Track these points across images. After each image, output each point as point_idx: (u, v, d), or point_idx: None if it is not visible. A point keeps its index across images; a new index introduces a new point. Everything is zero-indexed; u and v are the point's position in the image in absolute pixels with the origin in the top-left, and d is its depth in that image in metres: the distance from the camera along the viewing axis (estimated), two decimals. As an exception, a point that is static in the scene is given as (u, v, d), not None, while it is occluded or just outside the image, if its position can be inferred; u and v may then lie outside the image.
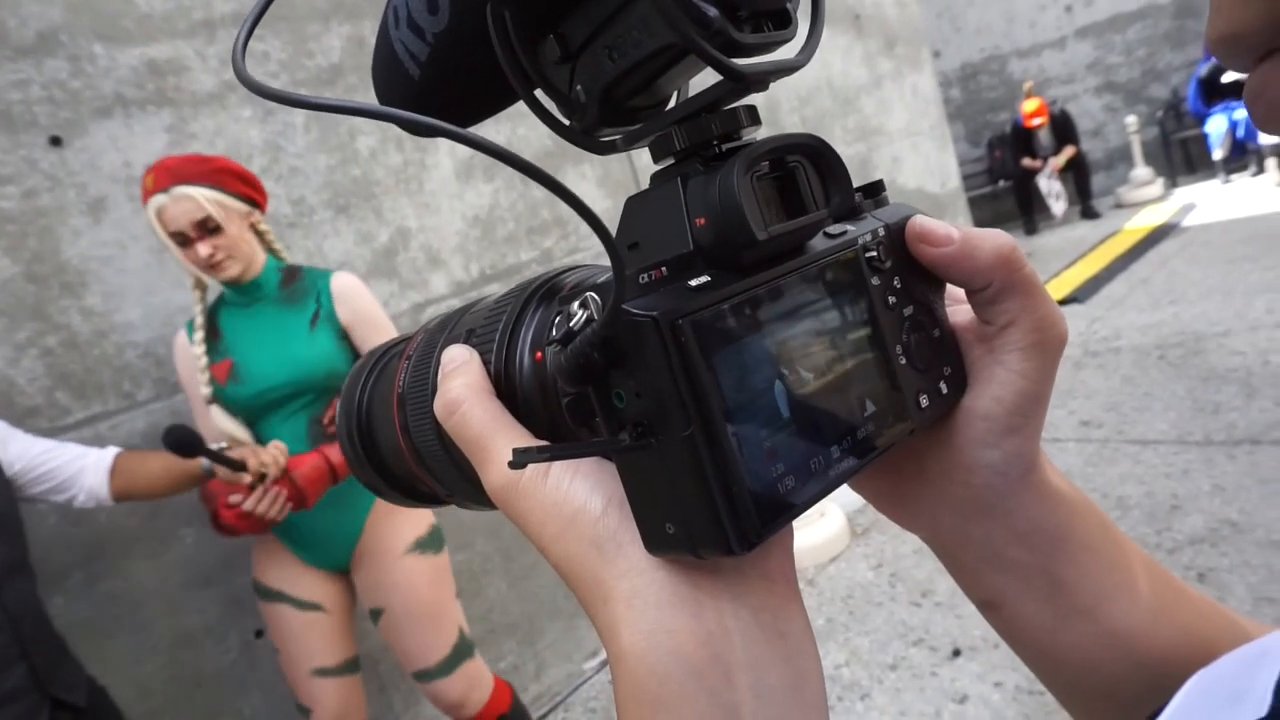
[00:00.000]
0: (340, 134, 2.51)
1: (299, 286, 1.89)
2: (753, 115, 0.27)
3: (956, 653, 2.48)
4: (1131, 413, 3.66)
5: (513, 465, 0.26)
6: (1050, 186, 8.10)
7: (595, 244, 3.11)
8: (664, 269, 0.24)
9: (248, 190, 1.83)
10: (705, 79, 0.26)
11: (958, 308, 0.33)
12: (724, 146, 0.26)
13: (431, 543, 2.00)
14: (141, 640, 2.04)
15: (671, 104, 0.29)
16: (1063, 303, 5.60)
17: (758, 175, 0.25)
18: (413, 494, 0.37)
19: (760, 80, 0.24)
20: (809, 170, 0.27)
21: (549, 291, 0.29)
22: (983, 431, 0.31)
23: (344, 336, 1.88)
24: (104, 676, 1.96)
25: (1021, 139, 8.26)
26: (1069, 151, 8.18)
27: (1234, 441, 3.16)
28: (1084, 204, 8.39)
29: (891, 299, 0.29)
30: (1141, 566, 0.34)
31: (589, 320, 0.24)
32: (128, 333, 2.08)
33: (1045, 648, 0.35)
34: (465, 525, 2.64)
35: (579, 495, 0.26)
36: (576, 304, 0.25)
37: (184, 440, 1.65)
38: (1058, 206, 8.15)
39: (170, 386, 2.12)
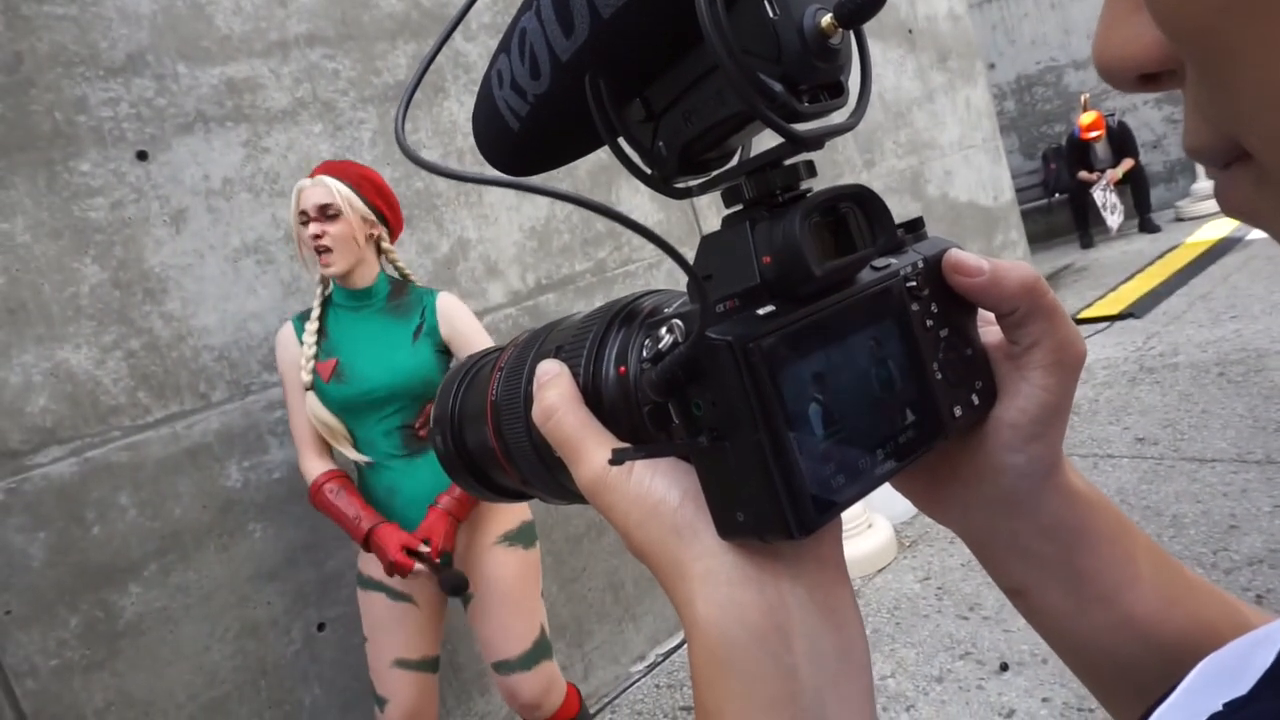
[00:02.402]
0: (404, 148, 2.60)
1: (406, 301, 2.02)
2: (810, 169, 0.32)
3: (1004, 667, 2.47)
4: (1189, 430, 3.59)
5: (613, 461, 0.31)
6: (1106, 199, 7.96)
7: (646, 256, 3.17)
8: (736, 300, 0.29)
9: (379, 203, 1.99)
10: (769, 135, 0.31)
11: (987, 329, 0.37)
12: (785, 196, 0.31)
13: (521, 537, 2.09)
14: (211, 629, 2.13)
15: (737, 157, 0.34)
16: (1118, 318, 5.51)
17: (815, 220, 0.30)
18: (496, 489, 0.43)
19: (816, 142, 0.29)
20: (858, 214, 0.32)
21: (629, 315, 0.35)
22: (1010, 438, 0.35)
23: (442, 350, 2.01)
24: (176, 663, 2.06)
25: (1078, 151, 8.13)
26: (1127, 164, 8.02)
27: (1295, 461, 3.10)
28: (1142, 217, 8.21)
29: (929, 322, 0.34)
30: (1154, 559, 0.38)
31: (674, 344, 0.29)
32: (204, 337, 2.19)
33: (1067, 632, 0.39)
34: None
35: (659, 489, 0.31)
36: (664, 329, 0.29)
37: (462, 584, 1.90)
38: (1113, 220, 8.00)
39: (243, 389, 2.23)
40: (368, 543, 1.87)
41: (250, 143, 2.32)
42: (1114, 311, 5.64)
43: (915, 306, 0.33)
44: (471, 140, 2.54)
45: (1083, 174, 8.06)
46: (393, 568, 1.83)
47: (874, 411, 0.31)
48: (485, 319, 2.72)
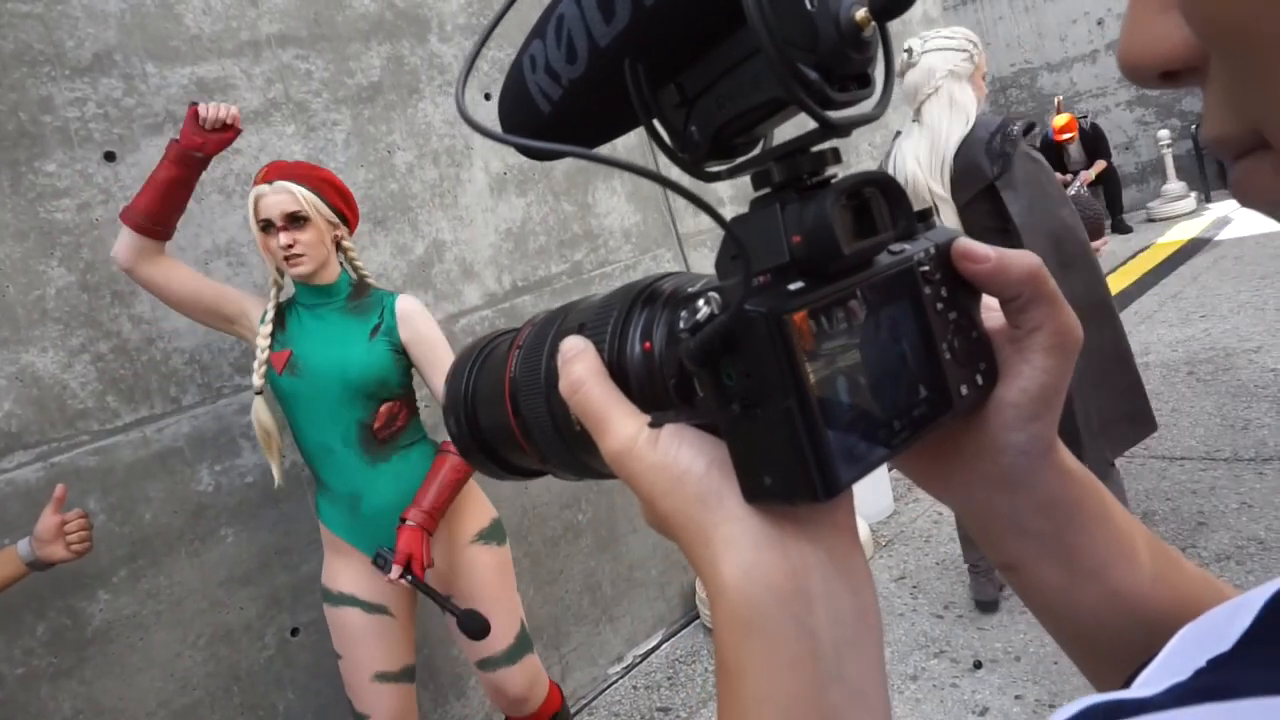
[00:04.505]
0: (379, 150, 2.59)
1: (366, 301, 2.01)
2: (836, 155, 0.34)
3: (978, 665, 2.49)
4: (1159, 428, 3.64)
5: (652, 425, 0.33)
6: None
7: (622, 259, 3.17)
8: (768, 275, 0.31)
9: (341, 205, 1.97)
10: (790, 125, 0.33)
11: (990, 314, 0.39)
12: (812, 180, 0.33)
13: (494, 534, 2.10)
14: (182, 635, 2.11)
15: (762, 144, 0.36)
16: (1091, 318, 5.57)
17: (842, 203, 0.32)
18: (510, 468, 0.44)
19: (846, 129, 0.31)
20: (881, 199, 0.34)
21: (651, 295, 0.36)
22: (1011, 417, 0.37)
23: (399, 351, 1.98)
24: (147, 670, 2.04)
25: (1051, 153, 8.22)
26: (1099, 166, 8.13)
27: (1263, 459, 3.15)
28: (1114, 218, 8.32)
29: (939, 305, 0.36)
30: (1141, 538, 0.41)
31: (711, 315, 0.30)
32: (174, 340, 2.17)
33: (1058, 606, 0.41)
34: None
35: (685, 458, 0.32)
36: (701, 301, 0.31)
37: (485, 627, 1.89)
38: (1088, 221, 8.10)
39: (214, 392, 2.21)
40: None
41: (221, 143, 2.30)
42: (1087, 311, 5.70)
43: (928, 290, 0.35)
44: (446, 141, 2.52)
45: (1057, 175, 8.15)
46: None
47: (892, 385, 0.32)
48: (461, 321, 2.71)
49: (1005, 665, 2.46)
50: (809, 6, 0.28)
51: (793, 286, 0.30)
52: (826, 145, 0.33)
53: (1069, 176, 8.09)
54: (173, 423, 2.14)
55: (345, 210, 1.99)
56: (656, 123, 0.34)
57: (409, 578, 1.86)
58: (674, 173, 0.38)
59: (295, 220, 1.88)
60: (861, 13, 0.28)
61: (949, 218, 2.40)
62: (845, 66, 0.29)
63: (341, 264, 2.04)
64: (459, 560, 2.03)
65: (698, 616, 3.17)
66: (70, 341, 2.03)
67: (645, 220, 3.27)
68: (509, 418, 0.40)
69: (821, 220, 0.30)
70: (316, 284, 1.97)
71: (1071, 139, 8.06)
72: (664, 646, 3.10)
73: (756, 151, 0.35)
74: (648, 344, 0.34)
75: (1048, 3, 9.51)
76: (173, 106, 2.22)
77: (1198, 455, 3.31)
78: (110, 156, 2.13)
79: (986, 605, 2.73)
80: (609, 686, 2.93)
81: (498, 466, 0.44)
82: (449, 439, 1.95)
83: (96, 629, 1.99)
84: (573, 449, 0.38)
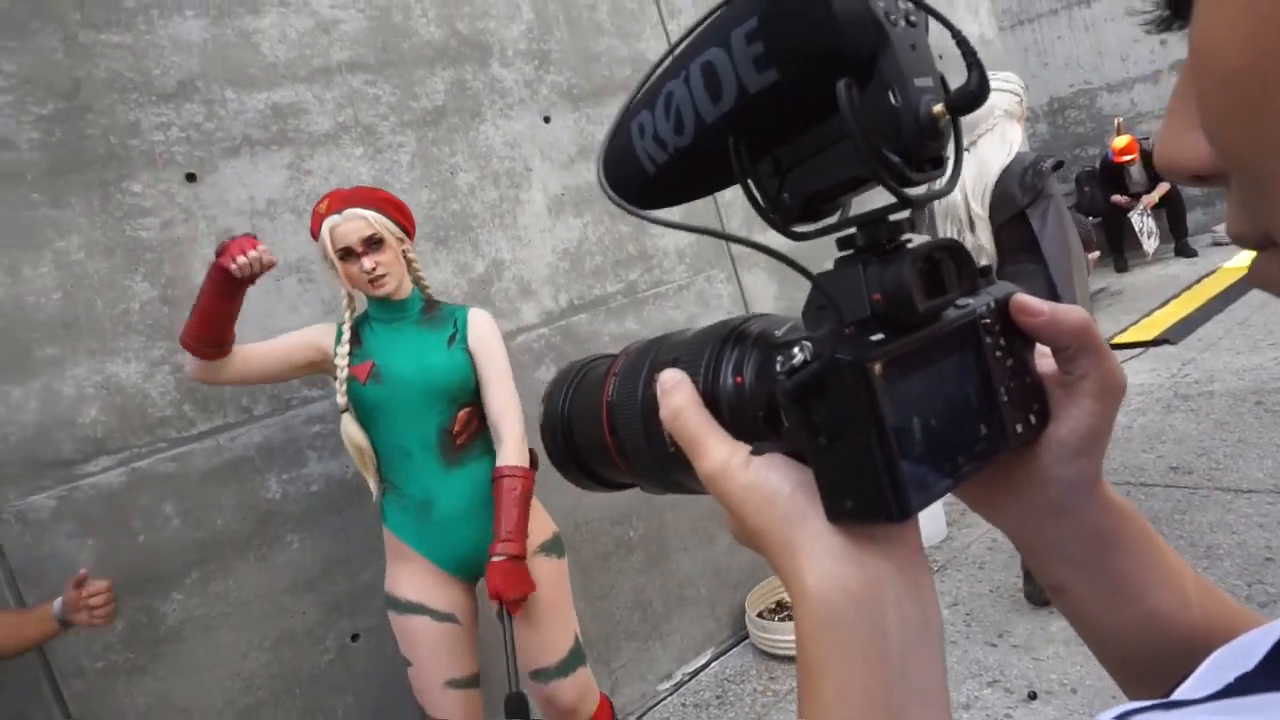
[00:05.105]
0: (442, 171, 2.67)
1: (438, 315, 2.11)
2: (911, 225, 0.39)
3: (1032, 695, 2.45)
4: (1224, 459, 3.55)
5: (754, 452, 0.37)
6: (1143, 223, 7.88)
7: (675, 279, 3.21)
8: (853, 327, 0.35)
9: (403, 220, 2.07)
10: (873, 192, 0.38)
11: (1043, 360, 0.44)
12: (890, 244, 0.38)
13: (555, 547, 2.15)
14: (249, 637, 2.19)
15: (842, 212, 0.41)
16: (1153, 343, 5.45)
17: (918, 266, 0.37)
18: (599, 480, 0.50)
19: (921, 203, 0.36)
20: (950, 262, 0.39)
21: (740, 336, 0.41)
22: (1060, 454, 0.42)
23: (471, 359, 2.07)
24: (215, 669, 2.12)
25: (1111, 175, 8.07)
26: (1163, 188, 7.94)
27: (1334, 491, 3.05)
28: (1178, 241, 8.12)
29: (998, 353, 0.40)
30: (1175, 566, 0.44)
31: (805, 361, 0.35)
32: (247, 352, 2.26)
33: (1101, 626, 0.44)
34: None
35: (773, 481, 0.37)
36: (796, 349, 0.35)
37: (524, 709, 1.86)
38: (1150, 244, 7.91)
39: (283, 403, 2.29)
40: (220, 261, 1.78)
41: (294, 165, 2.40)
42: (1149, 337, 5.58)
43: (988, 339, 0.40)
44: (506, 163, 2.59)
45: (1117, 197, 7.99)
46: None
47: (956, 423, 0.37)
48: (519, 338, 2.77)
49: (1061, 697, 2.42)
50: (893, 101, 0.33)
51: (874, 338, 0.34)
52: (903, 216, 0.38)
53: (1129, 199, 7.93)
54: (244, 432, 2.23)
55: (406, 225, 2.08)
56: (753, 187, 0.39)
57: (503, 620, 1.91)
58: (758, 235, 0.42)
59: (372, 243, 1.96)
60: (939, 108, 0.33)
61: (983, 234, 2.73)
62: (922, 152, 0.34)
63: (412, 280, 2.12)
64: None
65: (747, 637, 3.17)
66: (152, 353, 2.13)
67: (699, 241, 3.31)
68: (606, 437, 0.46)
69: (900, 282, 0.35)
70: (394, 299, 2.05)
71: (1132, 161, 7.90)
72: (713, 665, 3.10)
73: (838, 218, 0.40)
74: (739, 378, 0.39)
75: (1108, 22, 9.36)
76: (249, 130, 2.33)
77: (1266, 489, 3.22)
78: (191, 178, 2.24)
79: (1036, 598, 2.84)
80: (658, 703, 2.94)
81: (588, 479, 0.49)
82: (503, 465, 1.99)
83: (169, 628, 2.08)
84: (665, 467, 0.43)
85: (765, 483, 0.37)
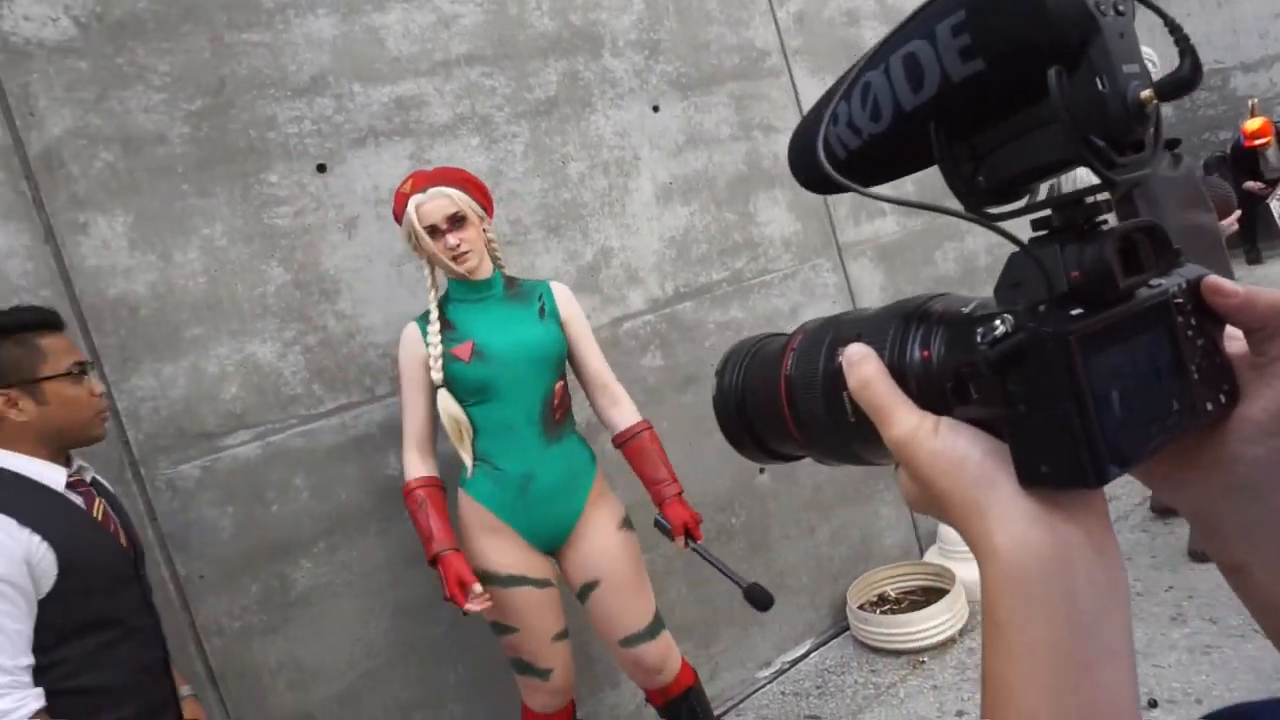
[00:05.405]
0: (554, 160, 2.73)
1: (520, 290, 2.18)
2: (1109, 205, 0.40)
3: (1153, 704, 2.36)
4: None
5: (957, 416, 0.39)
6: (1280, 211, 7.39)
7: (781, 268, 3.19)
8: (1051, 304, 0.37)
9: (483, 199, 2.13)
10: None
11: (1232, 342, 0.44)
12: (1087, 225, 0.40)
13: (629, 523, 2.26)
14: (369, 606, 2.30)
15: (1042, 192, 0.43)
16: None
17: (1116, 245, 0.38)
18: (771, 453, 0.52)
19: (1125, 186, 0.37)
20: (1146, 242, 0.40)
21: (924, 314, 0.43)
22: (1250, 433, 0.42)
23: (563, 330, 2.16)
24: (339, 634, 2.24)
25: (1243, 160, 7.58)
26: (1302, 173, 7.42)
27: None
28: (1320, 231, 7.58)
29: (1190, 332, 0.41)
30: None
31: (1006, 334, 0.36)
32: (370, 335, 2.37)
33: (1278, 606, 0.45)
34: (652, 528, 2.78)
35: (962, 446, 0.39)
36: (998, 321, 0.37)
37: (766, 601, 2.07)
38: (1288, 233, 7.41)
39: (404, 384, 2.40)
40: (434, 562, 2.00)
41: (415, 155, 2.50)
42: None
43: (1180, 319, 0.40)
44: (615, 153, 2.63)
45: (1249, 184, 7.51)
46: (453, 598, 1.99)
47: (1150, 397, 0.38)
48: (625, 325, 2.81)
49: (1185, 707, 2.32)
50: (1100, 88, 0.34)
51: (1074, 312, 0.36)
52: (1103, 197, 0.39)
53: (1259, 186, 7.43)
54: (368, 410, 2.35)
55: (486, 205, 2.14)
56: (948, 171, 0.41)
57: (691, 544, 2.12)
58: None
59: (456, 221, 2.03)
60: (1147, 93, 0.34)
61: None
62: (1128, 136, 0.36)
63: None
64: (609, 544, 2.18)
65: (847, 628, 3.14)
66: (285, 334, 2.26)
67: (805, 230, 3.29)
68: (783, 409, 0.48)
69: (1102, 260, 0.37)
70: (477, 279, 2.10)
71: (1266, 144, 7.39)
72: (813, 655, 3.09)
73: (1025, 201, 0.41)
74: (926, 353, 0.41)
75: (1245, -3, 8.78)
76: (375, 122, 2.44)
77: None
78: (321, 168, 2.35)
79: (1200, 555, 2.89)
80: (757, 690, 2.95)
81: (761, 451, 0.52)
82: (631, 423, 2.14)
83: (299, 593, 2.21)
84: (844, 437, 0.45)
85: (954, 448, 0.38)
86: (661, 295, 2.91)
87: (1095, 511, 0.38)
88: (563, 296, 2.20)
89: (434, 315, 2.09)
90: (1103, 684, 0.35)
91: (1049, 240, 0.39)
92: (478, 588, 1.97)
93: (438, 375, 2.05)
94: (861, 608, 3.08)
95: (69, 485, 1.59)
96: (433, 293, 2.13)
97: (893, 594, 3.21)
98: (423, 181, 2.04)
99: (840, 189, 0.42)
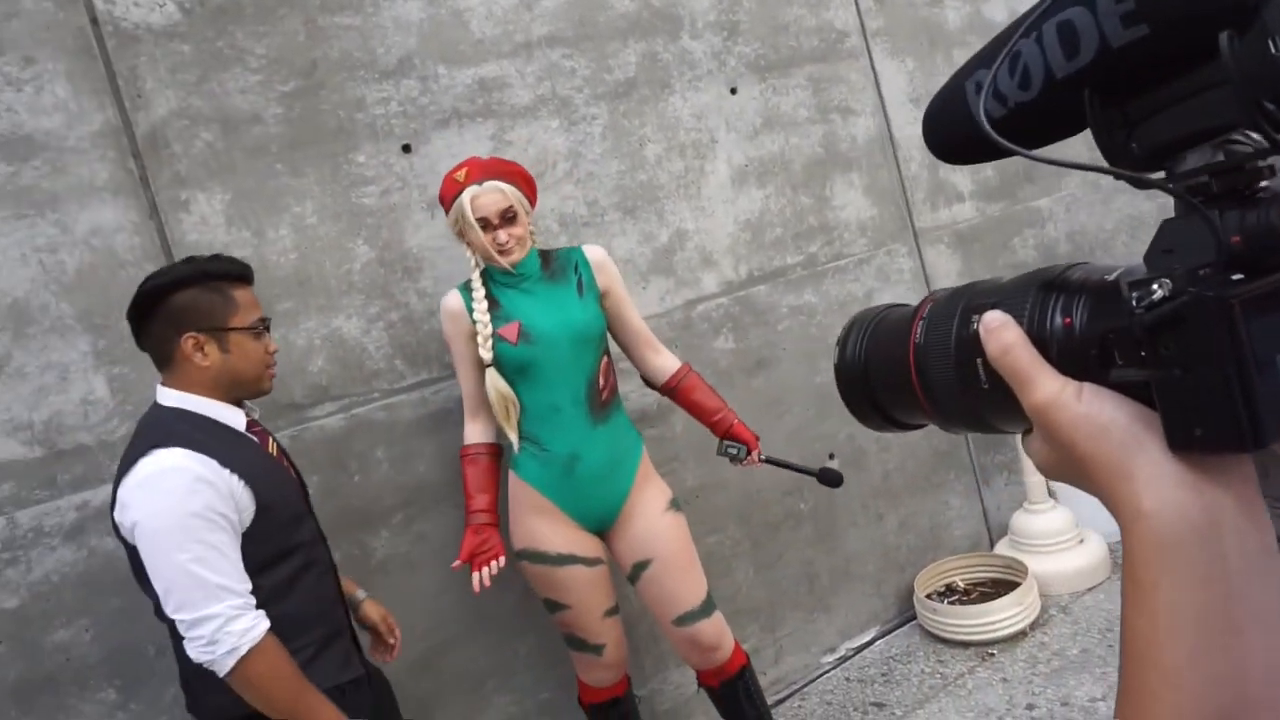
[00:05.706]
0: (631, 142, 2.75)
1: (556, 265, 2.19)
2: (1271, 170, 0.39)
3: None
4: None
5: (1100, 383, 0.39)
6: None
7: (856, 252, 3.16)
8: (1209, 269, 0.36)
9: (532, 194, 2.16)
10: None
11: None
12: (1247, 191, 0.39)
13: (676, 503, 2.28)
14: (445, 576, 2.36)
15: (1196, 157, 0.42)
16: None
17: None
18: (894, 422, 0.53)
19: None
20: None
21: (1063, 282, 0.43)
22: None
23: (600, 303, 2.17)
24: (415, 603, 2.31)
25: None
26: None
27: None
28: None
29: None
30: None
31: (1164, 298, 0.36)
32: (450, 313, 2.43)
33: None
34: (719, 511, 2.80)
35: (1108, 411, 0.39)
36: (1155, 285, 0.36)
37: (838, 479, 2.30)
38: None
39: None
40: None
41: (496, 136, 2.54)
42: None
43: None
44: (692, 135, 2.62)
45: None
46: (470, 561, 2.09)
47: None
48: (699, 307, 2.82)
49: None
50: (1273, 50, 0.34)
51: (1235, 277, 0.36)
52: (1265, 163, 0.38)
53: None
54: (446, 386, 2.41)
55: (533, 199, 2.17)
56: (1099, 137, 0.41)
57: (764, 457, 2.24)
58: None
59: (507, 217, 2.05)
60: None
61: None
62: None
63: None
64: (659, 525, 2.20)
65: (914, 618, 3.12)
66: (369, 310, 2.33)
67: (881, 215, 3.24)
68: (911, 376, 0.48)
69: (1266, 224, 0.36)
70: (514, 265, 2.10)
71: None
72: (878, 643, 3.08)
73: (1215, 162, 0.40)
74: (1067, 320, 0.41)
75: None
76: (458, 104, 2.48)
77: None
78: (407, 149, 2.41)
79: None
80: (821, 675, 2.96)
81: (881, 419, 0.53)
82: (677, 367, 2.27)
83: (378, 561, 2.29)
84: (977, 405, 0.46)
85: (1100, 413, 0.38)
86: (735, 278, 2.91)
87: (1245, 477, 0.37)
88: (597, 261, 2.20)
89: (480, 293, 2.10)
90: (1251, 648, 0.35)
91: (1207, 206, 0.39)
92: (482, 578, 2.08)
93: (487, 354, 2.07)
94: (929, 597, 3.05)
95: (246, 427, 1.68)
96: (476, 270, 2.13)
97: (961, 585, 3.17)
98: (478, 173, 2.05)
99: (1001, 154, 0.42)
